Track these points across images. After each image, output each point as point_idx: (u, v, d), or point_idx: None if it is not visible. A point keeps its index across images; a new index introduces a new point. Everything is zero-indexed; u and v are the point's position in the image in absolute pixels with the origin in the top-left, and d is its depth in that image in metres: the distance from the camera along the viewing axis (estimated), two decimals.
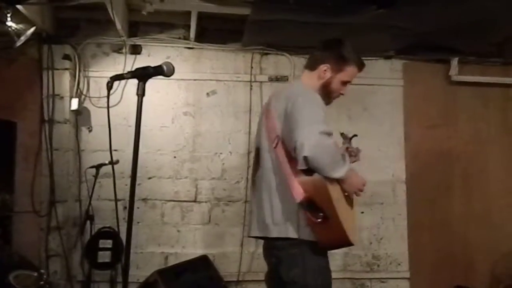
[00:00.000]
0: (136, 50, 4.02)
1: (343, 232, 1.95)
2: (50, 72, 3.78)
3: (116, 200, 3.34)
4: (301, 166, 1.90)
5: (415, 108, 4.28)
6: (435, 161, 4.26)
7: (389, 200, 4.19)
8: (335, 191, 1.97)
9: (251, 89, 4.10)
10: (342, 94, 2.30)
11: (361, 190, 2.12)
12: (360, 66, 2.28)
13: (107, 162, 3.48)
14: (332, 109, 4.18)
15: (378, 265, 4.15)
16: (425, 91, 4.31)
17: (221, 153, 4.05)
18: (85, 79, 3.95)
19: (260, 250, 2.40)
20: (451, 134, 4.31)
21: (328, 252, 2.11)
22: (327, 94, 2.25)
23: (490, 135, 4.33)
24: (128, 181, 1.74)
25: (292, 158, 1.99)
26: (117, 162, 3.36)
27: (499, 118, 4.36)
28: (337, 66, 2.22)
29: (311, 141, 1.86)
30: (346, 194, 2.11)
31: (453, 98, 4.32)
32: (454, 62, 4.23)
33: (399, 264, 4.16)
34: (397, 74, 4.30)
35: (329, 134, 1.93)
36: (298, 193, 1.95)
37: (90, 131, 3.94)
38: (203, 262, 3.72)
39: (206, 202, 4.00)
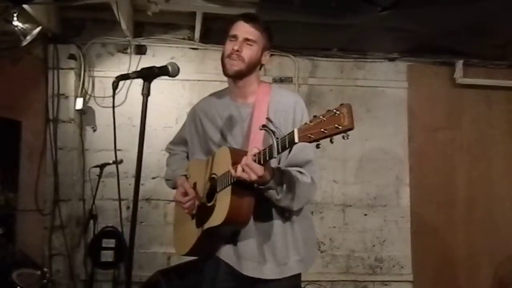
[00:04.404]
0: (141, 50, 4.04)
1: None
2: (55, 72, 3.80)
3: (120, 199, 3.35)
4: None
5: (419, 110, 4.27)
6: (439, 163, 4.25)
7: (392, 202, 4.18)
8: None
9: None
10: (234, 52, 1.94)
11: (180, 202, 1.94)
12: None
13: (111, 161, 3.50)
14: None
15: (381, 268, 4.14)
16: (429, 94, 4.30)
17: None
18: (90, 78, 3.97)
19: None
20: (455, 136, 4.29)
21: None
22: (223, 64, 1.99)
23: (494, 138, 4.32)
24: (132, 180, 1.74)
25: None
26: (121, 161, 3.38)
27: (503, 121, 4.35)
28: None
29: None
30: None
31: (457, 101, 4.31)
32: (459, 64, 4.22)
33: (402, 267, 4.15)
34: (401, 76, 4.29)
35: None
36: None
37: (94, 130, 3.95)
38: None
39: None
